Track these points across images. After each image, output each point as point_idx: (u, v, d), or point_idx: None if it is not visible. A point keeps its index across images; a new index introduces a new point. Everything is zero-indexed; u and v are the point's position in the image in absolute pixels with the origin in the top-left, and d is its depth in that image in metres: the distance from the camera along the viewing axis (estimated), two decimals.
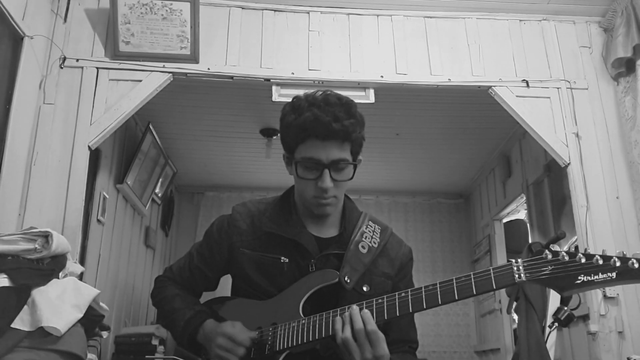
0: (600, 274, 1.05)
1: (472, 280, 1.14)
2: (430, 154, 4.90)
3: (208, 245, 1.48)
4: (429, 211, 5.93)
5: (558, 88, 3.06)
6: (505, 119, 3.23)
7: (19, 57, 2.59)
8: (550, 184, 3.92)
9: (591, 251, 1.08)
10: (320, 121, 1.27)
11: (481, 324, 5.38)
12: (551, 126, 2.99)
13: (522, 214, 5.03)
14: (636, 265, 1.03)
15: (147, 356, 3.52)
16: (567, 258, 1.08)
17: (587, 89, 3.08)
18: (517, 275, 1.11)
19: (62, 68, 2.84)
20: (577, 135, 2.97)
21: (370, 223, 1.45)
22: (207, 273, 1.48)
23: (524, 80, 3.06)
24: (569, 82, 3.07)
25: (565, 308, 2.37)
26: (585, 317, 2.87)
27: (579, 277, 1.06)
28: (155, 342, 3.67)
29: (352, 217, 1.44)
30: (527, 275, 1.10)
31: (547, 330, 2.43)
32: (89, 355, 2.09)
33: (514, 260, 1.13)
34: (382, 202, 5.89)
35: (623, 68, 3.01)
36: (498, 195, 4.94)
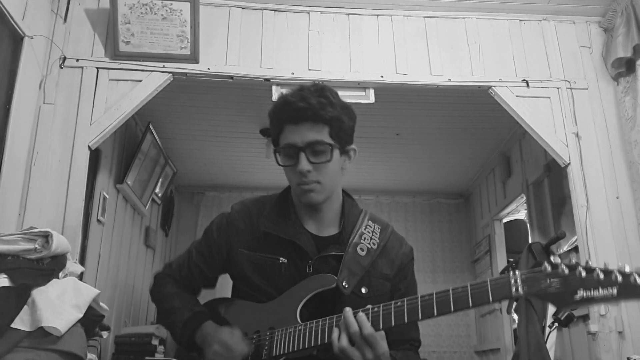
0: (600, 289, 1.01)
1: (469, 291, 1.12)
2: (430, 154, 4.90)
3: (207, 245, 1.47)
4: (429, 211, 5.93)
5: (558, 88, 3.06)
6: (505, 119, 3.23)
7: (19, 57, 2.59)
8: (550, 184, 3.92)
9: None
10: (288, 103, 1.32)
11: (481, 324, 5.38)
12: (551, 126, 2.99)
13: (522, 214, 5.03)
14: (639, 281, 0.99)
15: (147, 357, 3.52)
16: (566, 271, 1.05)
17: (587, 89, 3.08)
18: (514, 289, 1.08)
19: (62, 68, 2.84)
20: (577, 135, 2.97)
21: (370, 222, 1.42)
22: (205, 272, 1.47)
23: (524, 80, 3.06)
24: (569, 82, 3.07)
25: None
26: (585, 317, 2.87)
27: (578, 292, 1.03)
28: (155, 342, 3.67)
29: (351, 215, 1.43)
30: (525, 288, 1.07)
31: (547, 330, 2.43)
32: (89, 355, 2.09)
33: (511, 273, 1.10)
34: (382, 202, 5.89)
35: (623, 68, 3.01)
36: (498, 195, 4.94)
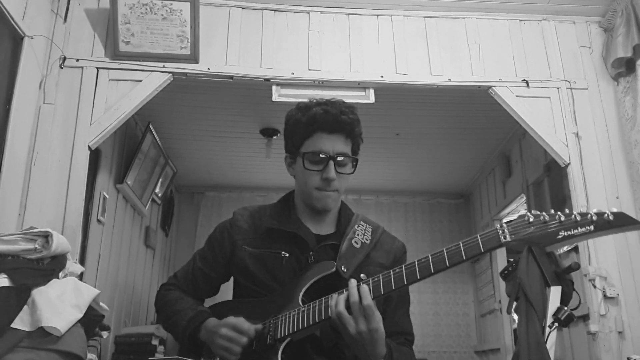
0: (579, 228, 1.11)
1: (461, 247, 1.19)
2: (430, 154, 4.90)
3: (210, 247, 1.53)
4: (429, 211, 5.93)
5: (558, 88, 3.06)
6: (505, 119, 3.23)
7: (19, 57, 2.58)
8: (550, 184, 3.91)
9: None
10: (329, 113, 1.41)
11: (481, 324, 5.38)
12: (551, 126, 2.99)
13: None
14: (611, 218, 1.09)
15: (149, 358, 3.52)
16: (547, 218, 1.15)
17: (587, 89, 3.08)
18: (502, 237, 1.16)
19: (62, 68, 2.84)
20: (577, 135, 2.97)
21: (362, 223, 1.52)
22: (209, 274, 1.52)
23: (524, 80, 3.06)
24: (569, 82, 3.07)
25: (565, 308, 2.36)
26: (585, 317, 2.86)
27: (560, 233, 1.12)
28: (155, 342, 3.68)
29: (346, 217, 1.53)
30: (512, 236, 1.15)
31: (547, 330, 2.43)
32: (89, 355, 2.09)
33: (498, 225, 1.19)
34: (382, 202, 5.88)
35: (623, 68, 3.01)
36: (498, 195, 4.94)
